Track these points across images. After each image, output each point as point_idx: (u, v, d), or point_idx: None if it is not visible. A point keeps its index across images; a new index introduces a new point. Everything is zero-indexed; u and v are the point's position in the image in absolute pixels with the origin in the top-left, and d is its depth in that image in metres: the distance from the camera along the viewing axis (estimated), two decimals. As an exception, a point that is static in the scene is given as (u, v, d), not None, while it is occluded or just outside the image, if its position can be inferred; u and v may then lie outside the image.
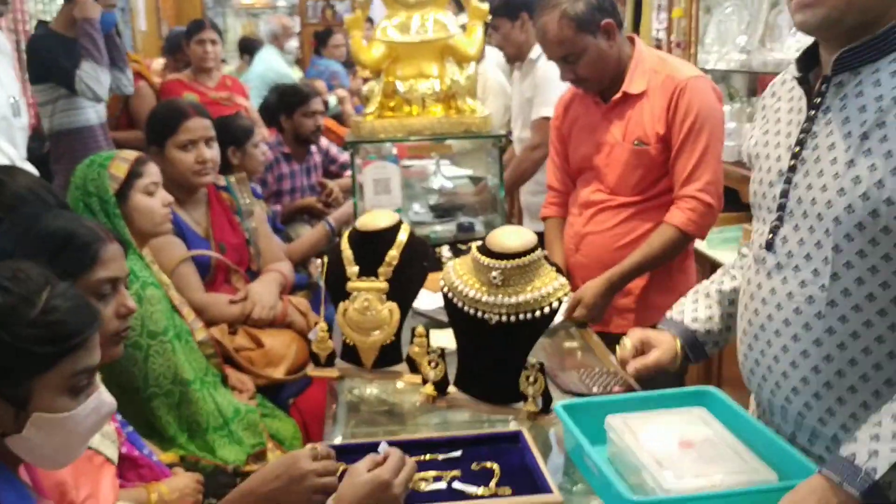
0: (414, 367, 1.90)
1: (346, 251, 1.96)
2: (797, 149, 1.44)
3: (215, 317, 2.72)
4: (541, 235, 2.38)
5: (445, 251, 2.86)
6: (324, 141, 4.47)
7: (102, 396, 1.29)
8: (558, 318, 2.00)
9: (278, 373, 2.74)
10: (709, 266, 3.21)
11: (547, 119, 3.23)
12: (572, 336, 2.33)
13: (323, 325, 1.99)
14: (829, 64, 1.40)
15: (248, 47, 7.70)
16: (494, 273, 1.68)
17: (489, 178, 3.20)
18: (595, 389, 1.90)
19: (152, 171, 2.33)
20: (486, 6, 3.03)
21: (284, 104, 4.25)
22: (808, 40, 1.49)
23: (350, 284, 1.94)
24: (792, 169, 1.44)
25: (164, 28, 8.92)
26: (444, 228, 3.14)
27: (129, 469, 1.79)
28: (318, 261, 3.75)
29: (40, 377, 1.20)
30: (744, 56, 3.53)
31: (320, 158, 4.43)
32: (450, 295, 1.76)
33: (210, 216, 2.91)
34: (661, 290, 2.40)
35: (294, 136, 4.23)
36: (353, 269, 1.94)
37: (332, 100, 6.42)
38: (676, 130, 2.28)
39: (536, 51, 3.45)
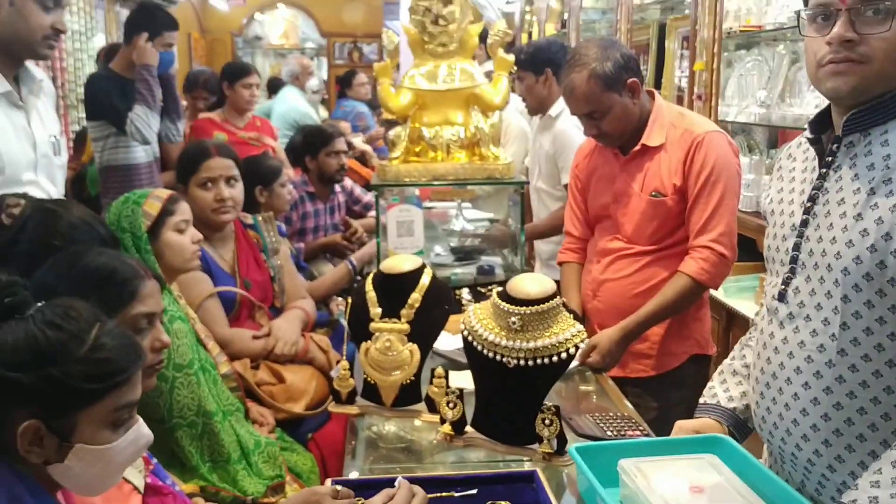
0: (432, 407, 1.95)
1: (370, 293, 2.02)
2: (809, 204, 1.51)
3: (239, 351, 2.78)
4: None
5: (465, 294, 2.92)
6: (347, 181, 4.57)
7: (141, 429, 1.35)
8: (574, 363, 2.05)
9: (298, 408, 2.79)
10: (725, 314, 3.26)
11: None
12: (587, 380, 2.37)
13: (344, 363, 2.05)
14: (839, 125, 1.48)
15: (276, 87, 7.89)
16: (514, 318, 1.74)
17: (510, 222, 3.26)
18: (609, 433, 1.94)
19: (184, 209, 2.42)
20: (511, 58, 3.13)
21: (309, 144, 4.36)
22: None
23: (373, 325, 2.00)
24: (804, 223, 1.51)
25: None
26: (465, 271, 3.20)
27: (153, 496, 1.84)
28: (340, 299, 3.82)
29: (85, 411, 1.25)
30: (763, 110, 3.60)
31: (344, 198, 4.52)
32: (470, 338, 1.81)
33: (237, 253, 2.98)
34: (677, 337, 2.46)
35: (319, 176, 4.33)
36: (376, 310, 2.00)
37: (357, 140, 6.56)
38: (692, 182, 2.35)
39: (557, 107, 3.53)
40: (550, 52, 3.47)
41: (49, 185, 2.24)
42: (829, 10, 1.40)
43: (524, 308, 1.74)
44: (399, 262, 2.04)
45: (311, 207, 4.30)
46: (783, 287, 1.54)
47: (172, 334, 2.21)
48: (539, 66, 3.59)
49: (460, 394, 1.85)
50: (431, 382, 1.96)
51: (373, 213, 4.52)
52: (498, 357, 1.76)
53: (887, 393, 1.40)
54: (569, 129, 3.43)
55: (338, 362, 2.08)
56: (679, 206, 2.39)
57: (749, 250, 3.13)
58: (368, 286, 2.04)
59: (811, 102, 3.25)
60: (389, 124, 8.13)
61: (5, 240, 1.73)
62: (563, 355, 1.73)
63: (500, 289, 1.82)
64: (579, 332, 1.75)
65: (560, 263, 2.79)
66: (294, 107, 6.50)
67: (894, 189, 1.38)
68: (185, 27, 9.08)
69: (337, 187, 4.44)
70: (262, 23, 10.60)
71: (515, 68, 3.16)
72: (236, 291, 2.88)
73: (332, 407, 2.07)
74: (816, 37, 1.43)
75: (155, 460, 1.94)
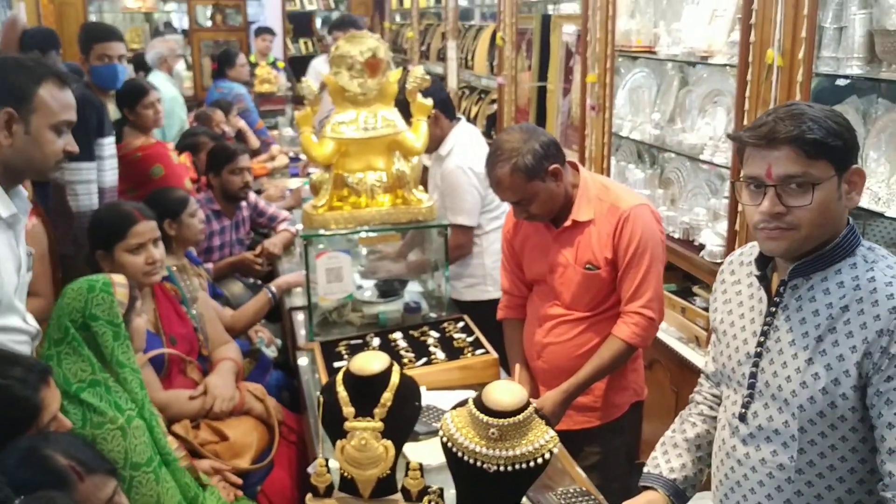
0: (409, 497, 2.08)
1: (342, 393, 2.11)
2: (762, 338, 1.75)
3: (178, 413, 2.82)
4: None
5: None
6: (251, 195, 4.54)
7: None
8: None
9: (244, 463, 2.87)
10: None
11: (463, 227, 3.53)
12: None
13: (321, 460, 2.14)
14: (785, 270, 1.72)
15: (142, 64, 7.54)
16: (492, 430, 1.88)
17: (436, 261, 3.38)
18: (571, 510, 2.14)
19: (138, 294, 2.44)
20: (430, 102, 3.21)
21: (212, 163, 4.30)
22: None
23: (347, 424, 2.09)
24: (758, 354, 1.75)
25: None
26: (391, 308, 3.30)
27: None
28: (258, 325, 3.86)
29: None
30: (657, 131, 3.81)
31: (248, 212, 4.50)
32: (449, 444, 1.94)
33: (158, 310, 2.97)
34: (618, 389, 2.71)
35: (223, 193, 4.29)
36: (349, 409, 2.09)
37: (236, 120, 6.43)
38: (622, 255, 2.54)
39: (447, 146, 3.63)
40: (433, 93, 3.47)
41: (24, 309, 2.18)
42: (759, 181, 1.63)
43: (501, 420, 1.87)
44: (367, 362, 2.13)
45: (218, 225, 4.27)
46: (743, 409, 1.77)
47: (129, 434, 2.23)
48: None
49: (441, 493, 1.99)
50: (406, 475, 2.08)
51: (282, 226, 4.53)
52: (478, 463, 1.90)
53: (838, 503, 1.67)
54: (456, 170, 3.55)
55: (314, 459, 2.17)
56: (611, 275, 2.58)
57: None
58: (339, 386, 2.12)
59: (704, 133, 3.48)
60: (263, 99, 8.03)
61: None
62: (540, 460, 1.89)
63: (474, 396, 1.95)
64: (552, 438, 1.91)
65: (500, 319, 2.95)
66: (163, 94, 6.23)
67: (838, 339, 1.62)
68: (33, -9, 8.51)
69: (241, 202, 4.41)
70: (114, -17, 10.03)
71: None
72: (165, 352, 2.88)
73: (311, 500, 2.16)
74: (751, 204, 1.66)
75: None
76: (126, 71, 4.09)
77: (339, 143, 3.08)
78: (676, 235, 3.60)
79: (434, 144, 3.63)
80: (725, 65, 3.35)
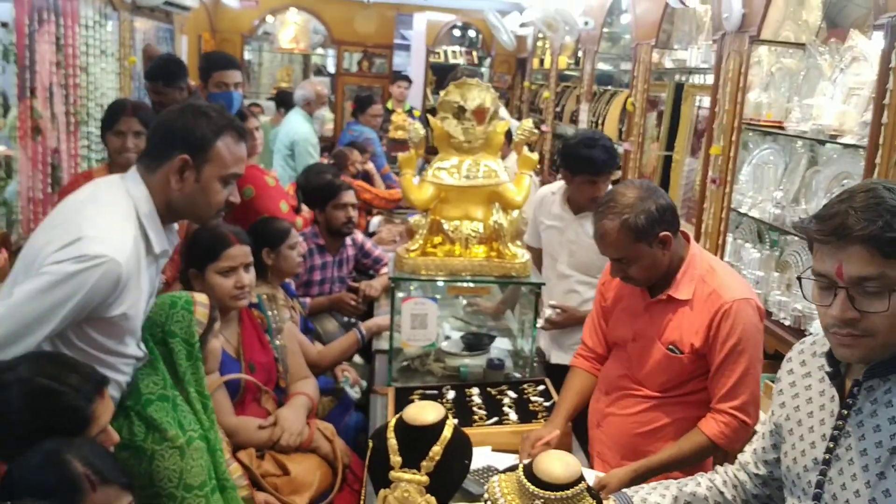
0: (448, 557, 1.97)
1: (392, 440, 2.03)
2: (831, 444, 1.56)
3: (245, 441, 2.80)
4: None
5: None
6: (359, 235, 4.57)
7: None
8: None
9: (302, 501, 2.82)
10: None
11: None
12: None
13: (362, 507, 2.06)
14: (860, 368, 1.53)
15: (285, 102, 7.82)
16: (538, 501, 1.75)
17: (525, 319, 3.28)
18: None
19: (218, 315, 2.46)
20: (536, 157, 3.13)
21: (317, 198, 4.34)
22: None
23: (392, 474, 2.00)
24: (826, 462, 1.56)
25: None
26: (474, 362, 3.21)
27: None
28: (346, 364, 3.84)
29: None
30: (778, 211, 3.60)
31: (354, 251, 4.52)
32: (493, 511, 1.83)
33: (241, 335, 2.99)
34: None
35: (327, 229, 4.33)
36: (396, 458, 2.01)
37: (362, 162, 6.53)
38: (717, 349, 2.33)
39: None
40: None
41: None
42: (829, 281, 1.44)
43: (549, 493, 1.75)
44: (422, 412, 2.04)
45: (320, 260, 4.30)
46: None
47: (188, 455, 2.22)
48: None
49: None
50: (447, 535, 1.97)
51: (384, 270, 4.53)
52: (518, 534, 1.77)
53: None
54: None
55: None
56: (694, 364, 2.39)
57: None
58: (390, 433, 2.05)
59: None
60: (396, 144, 8.16)
61: None
62: (585, 540, 1.74)
63: (525, 463, 1.83)
64: (602, 518, 1.77)
65: (571, 366, 2.80)
66: (298, 131, 6.41)
67: None
68: (197, 27, 9.02)
69: (347, 240, 4.44)
70: (272, 24, 10.50)
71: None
72: (241, 378, 2.88)
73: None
74: (821, 305, 1.47)
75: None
76: (241, 98, 4.23)
77: (439, 189, 3.04)
78: (787, 322, 3.35)
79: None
80: (857, 146, 3.13)
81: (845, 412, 1.55)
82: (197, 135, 2.13)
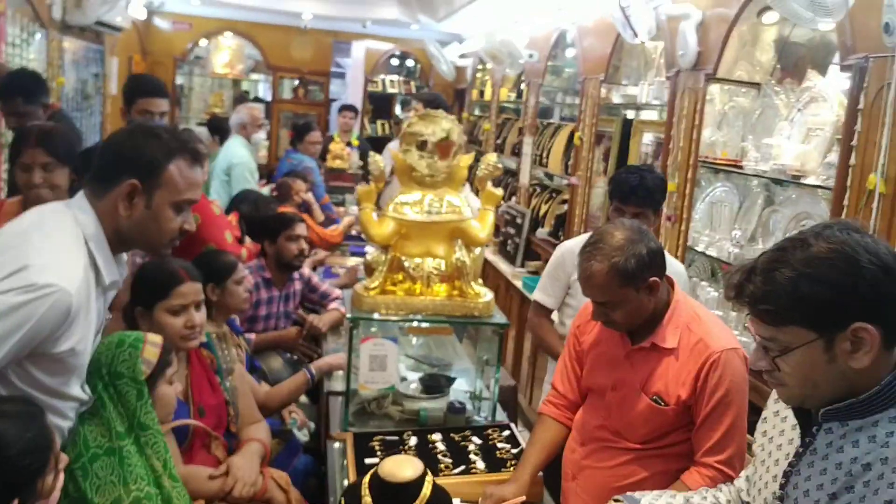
0: None
1: (367, 498, 1.89)
2: (783, 481, 1.58)
3: (194, 491, 2.60)
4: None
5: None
6: (306, 269, 4.41)
7: None
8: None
9: (256, 555, 2.64)
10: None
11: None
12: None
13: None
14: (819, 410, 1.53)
15: (219, 129, 7.60)
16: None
17: (487, 360, 3.16)
18: None
19: (173, 360, 2.29)
20: (500, 192, 3.05)
21: (268, 229, 4.19)
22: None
23: (368, 534, 1.87)
24: (780, 499, 1.59)
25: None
26: (434, 406, 3.07)
27: None
28: (293, 405, 3.67)
29: None
30: (736, 250, 3.59)
31: (301, 286, 4.36)
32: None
33: (190, 377, 2.80)
34: None
35: (277, 261, 4.17)
36: (372, 517, 1.88)
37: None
38: (704, 401, 2.23)
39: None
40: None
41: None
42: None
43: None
44: (399, 467, 1.92)
45: (266, 294, 4.13)
46: None
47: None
48: None
49: None
50: None
51: (333, 304, 4.37)
52: None
53: None
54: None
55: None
56: (678, 416, 2.28)
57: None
58: (364, 490, 1.91)
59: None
60: (333, 173, 8.00)
61: None
62: None
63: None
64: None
65: (539, 413, 2.68)
66: (237, 157, 6.19)
67: (852, 502, 1.42)
68: (128, 49, 8.75)
69: (295, 274, 4.28)
70: (206, 48, 10.27)
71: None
72: (190, 423, 2.70)
73: None
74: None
75: None
76: None
77: (400, 224, 2.92)
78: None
79: None
80: (818, 186, 3.13)
81: (801, 450, 1.55)
82: (147, 158, 1.97)
